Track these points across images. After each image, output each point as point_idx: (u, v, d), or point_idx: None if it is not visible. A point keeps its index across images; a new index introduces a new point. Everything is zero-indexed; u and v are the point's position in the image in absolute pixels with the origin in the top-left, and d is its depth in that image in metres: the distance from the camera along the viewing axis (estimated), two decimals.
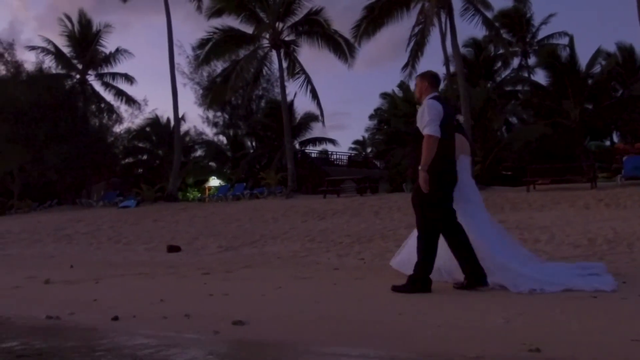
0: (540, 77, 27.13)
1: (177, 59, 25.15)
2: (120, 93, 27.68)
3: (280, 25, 19.67)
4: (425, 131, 4.00)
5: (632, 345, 2.55)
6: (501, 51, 23.33)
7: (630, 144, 22.43)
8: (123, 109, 28.17)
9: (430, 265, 4.12)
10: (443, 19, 15.80)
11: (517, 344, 2.63)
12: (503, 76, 26.77)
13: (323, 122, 25.55)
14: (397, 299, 3.95)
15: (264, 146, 28.13)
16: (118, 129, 28.60)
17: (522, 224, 8.12)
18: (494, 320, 3.20)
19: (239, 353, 2.99)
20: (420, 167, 4.02)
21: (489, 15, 18.57)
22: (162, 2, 20.37)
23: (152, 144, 30.27)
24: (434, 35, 16.53)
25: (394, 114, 29.17)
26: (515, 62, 27.68)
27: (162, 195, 21.21)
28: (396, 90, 31.09)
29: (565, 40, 25.01)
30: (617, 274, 4.40)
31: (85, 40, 26.81)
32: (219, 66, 24.80)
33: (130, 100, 27.92)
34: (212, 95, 22.36)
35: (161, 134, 29.13)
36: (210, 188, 29.58)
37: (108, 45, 27.95)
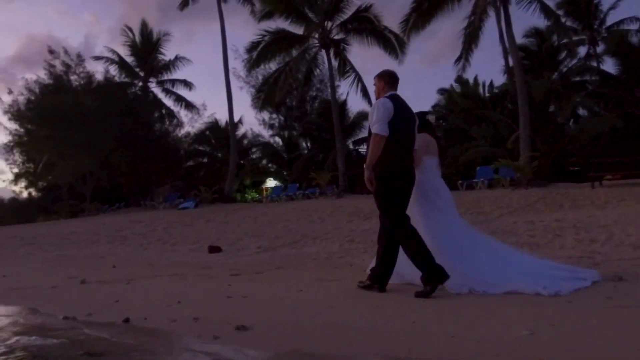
0: (610, 65, 25.24)
1: (233, 63, 25.81)
2: (179, 99, 28.75)
3: (329, 24, 19.56)
4: (373, 130, 3.99)
5: None
6: (565, 40, 21.92)
7: None
8: (183, 113, 29.27)
9: (430, 260, 3.88)
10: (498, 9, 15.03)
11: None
12: (569, 66, 25.17)
13: None
14: (416, 305, 3.66)
15: (318, 146, 28.14)
16: (179, 133, 29.73)
17: (580, 223, 7.47)
18: (518, 331, 2.87)
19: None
20: (365, 166, 4.02)
21: (551, 3, 17.48)
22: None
23: (211, 147, 31.15)
24: (491, 27, 15.80)
25: (452, 110, 28.22)
26: (582, 50, 26.00)
27: (219, 196, 21.70)
28: (454, 85, 30.09)
29: (635, 26, 23.25)
30: None
31: (146, 49, 28.04)
32: (273, 68, 25.14)
33: (189, 106, 28.94)
34: (264, 97, 22.64)
35: (220, 137, 29.88)
36: (267, 189, 29.99)
37: (168, 52, 29.18)
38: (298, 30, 20.07)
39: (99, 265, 7.56)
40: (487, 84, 27.34)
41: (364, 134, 28.60)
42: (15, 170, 27.62)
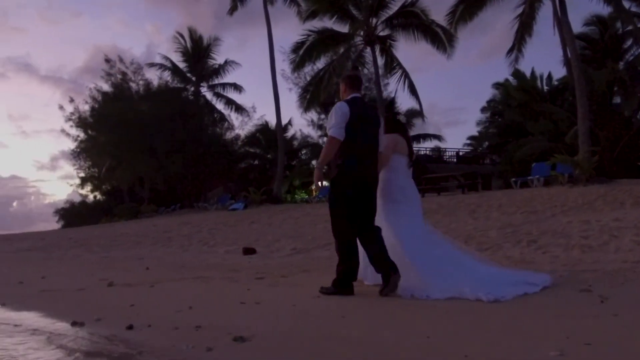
0: None
1: (281, 65, 25.85)
2: (230, 102, 29.26)
3: (374, 20, 19.16)
4: (329, 133, 4.12)
5: None
6: (630, 27, 20.33)
7: None
8: (233, 116, 29.74)
9: (349, 268, 4.17)
10: None
11: None
12: (636, 55, 23.36)
13: (423, 117, 24.50)
14: (435, 317, 3.31)
15: None
16: (230, 136, 30.24)
17: None
18: (544, 351, 2.47)
19: None
20: (316, 165, 4.30)
21: None
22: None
23: (262, 149, 31.46)
24: (547, 16, 14.82)
25: (508, 104, 27.00)
26: None
27: (268, 197, 21.80)
28: (510, 79, 28.74)
29: None
30: None
31: (197, 54, 28.72)
32: (319, 68, 24.97)
33: (239, 109, 29.39)
34: (309, 97, 22.52)
35: (270, 139, 30.12)
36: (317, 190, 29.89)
37: (219, 57, 29.73)
38: (343, 28, 19.84)
39: (134, 267, 7.62)
40: (545, 76, 25.97)
41: (414, 131, 27.93)
42: (82, 174, 29.16)
